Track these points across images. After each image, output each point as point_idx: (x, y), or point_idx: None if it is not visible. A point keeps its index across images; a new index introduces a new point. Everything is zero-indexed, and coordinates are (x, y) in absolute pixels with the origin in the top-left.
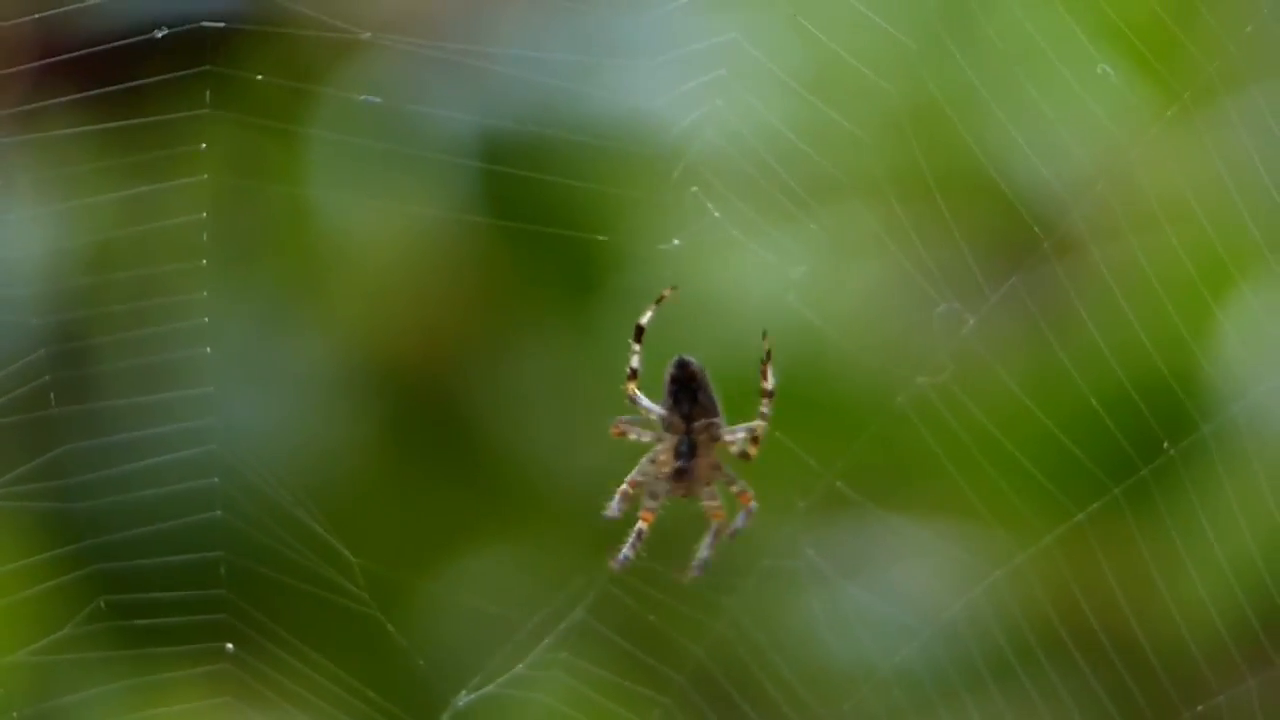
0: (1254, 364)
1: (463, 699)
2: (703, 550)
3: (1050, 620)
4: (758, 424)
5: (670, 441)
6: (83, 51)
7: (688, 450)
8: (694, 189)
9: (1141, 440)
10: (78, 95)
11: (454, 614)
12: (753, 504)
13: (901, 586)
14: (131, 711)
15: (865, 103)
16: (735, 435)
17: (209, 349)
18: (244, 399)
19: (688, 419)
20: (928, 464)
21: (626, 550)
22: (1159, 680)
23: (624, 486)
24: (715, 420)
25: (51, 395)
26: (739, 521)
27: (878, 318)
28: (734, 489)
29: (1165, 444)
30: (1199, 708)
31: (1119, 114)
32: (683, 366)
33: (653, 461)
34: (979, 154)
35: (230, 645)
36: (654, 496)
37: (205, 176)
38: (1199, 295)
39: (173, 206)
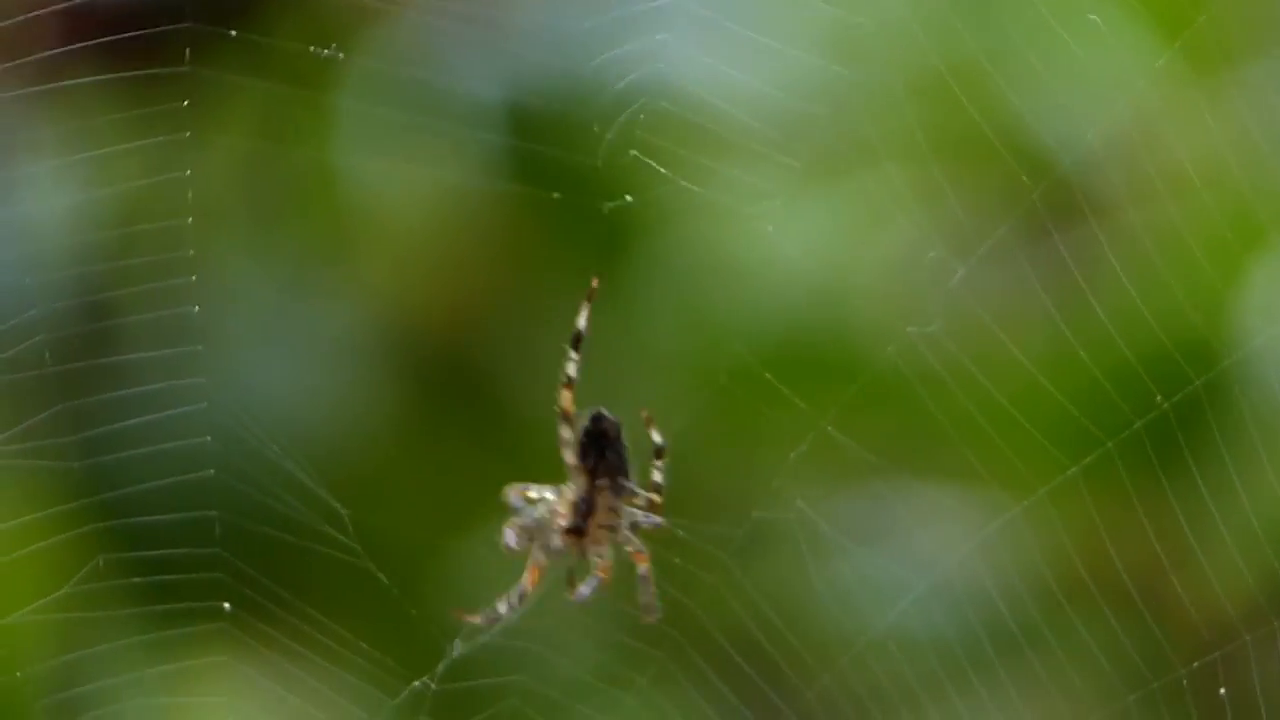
0: (1254, 318)
1: (458, 648)
2: (643, 596)
3: (1044, 575)
4: (654, 496)
5: (570, 494)
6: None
7: (585, 508)
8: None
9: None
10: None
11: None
12: (642, 568)
13: (897, 541)
14: (130, 670)
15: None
16: (635, 500)
17: (196, 308)
18: (257, 361)
19: (592, 474)
20: (920, 418)
21: (508, 601)
22: (1156, 637)
23: (525, 579)
24: (619, 482)
25: (46, 353)
26: (586, 587)
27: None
28: (629, 548)
29: (1159, 398)
30: (1194, 664)
31: (1135, 72)
32: (596, 420)
33: (550, 511)
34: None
35: (227, 604)
36: (545, 549)
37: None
38: (1195, 255)
39: (201, 169)
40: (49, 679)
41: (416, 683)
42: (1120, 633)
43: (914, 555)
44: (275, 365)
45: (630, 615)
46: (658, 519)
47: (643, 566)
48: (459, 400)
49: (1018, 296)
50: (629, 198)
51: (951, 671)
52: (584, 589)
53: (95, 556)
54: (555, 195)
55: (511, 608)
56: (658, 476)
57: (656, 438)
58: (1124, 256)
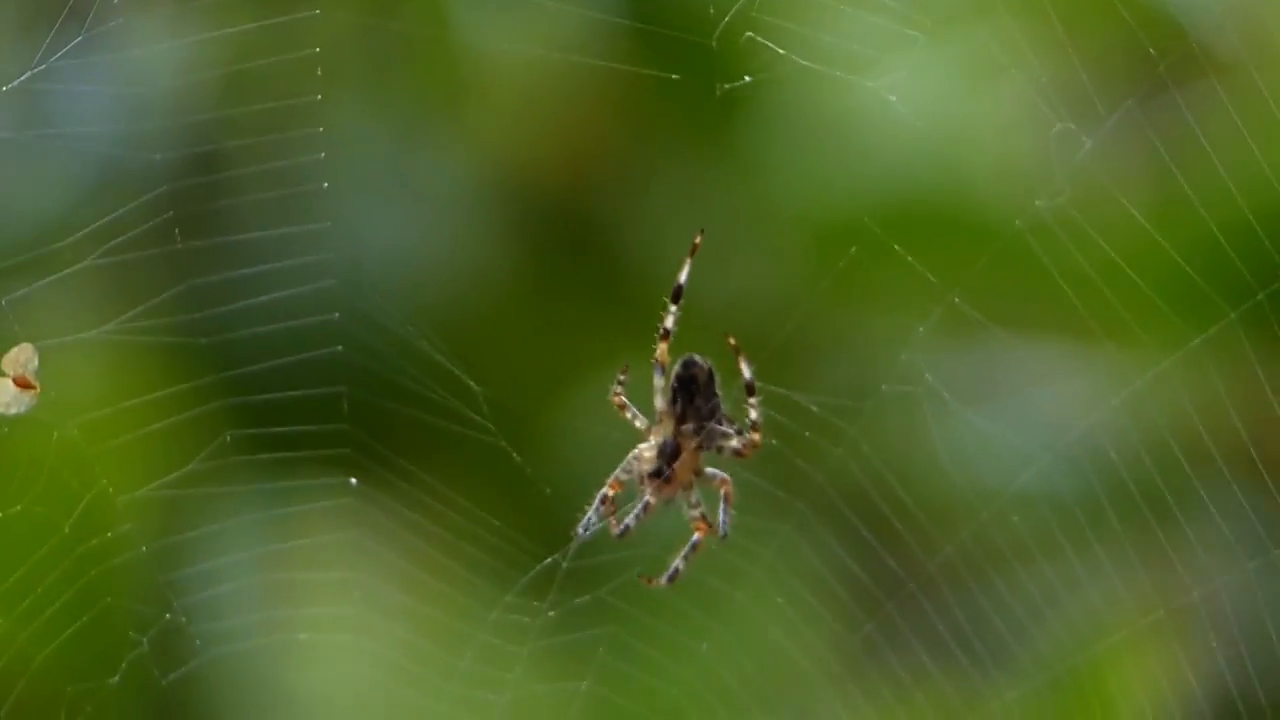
0: None
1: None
2: (677, 560)
3: (1167, 442)
4: (755, 436)
5: (658, 438)
6: None
7: (670, 452)
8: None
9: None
10: None
11: (582, 441)
12: (696, 536)
13: (1023, 412)
14: (256, 546)
15: None
16: (727, 443)
17: (326, 185)
18: (375, 221)
19: (679, 420)
20: (1047, 287)
21: (591, 515)
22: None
23: (604, 490)
24: (708, 426)
25: (176, 231)
26: (630, 519)
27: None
28: (695, 513)
29: None
30: None
31: None
32: (686, 365)
33: (637, 458)
34: None
35: (353, 480)
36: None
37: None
38: None
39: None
40: (174, 554)
41: (548, 559)
42: (1242, 500)
43: (1039, 426)
44: (392, 222)
45: (757, 492)
46: (745, 448)
47: (725, 489)
48: (572, 253)
49: (1141, 160)
50: (748, 78)
51: (1073, 537)
52: (629, 521)
53: (222, 433)
54: (674, 76)
55: (637, 518)
56: (754, 414)
57: (746, 372)
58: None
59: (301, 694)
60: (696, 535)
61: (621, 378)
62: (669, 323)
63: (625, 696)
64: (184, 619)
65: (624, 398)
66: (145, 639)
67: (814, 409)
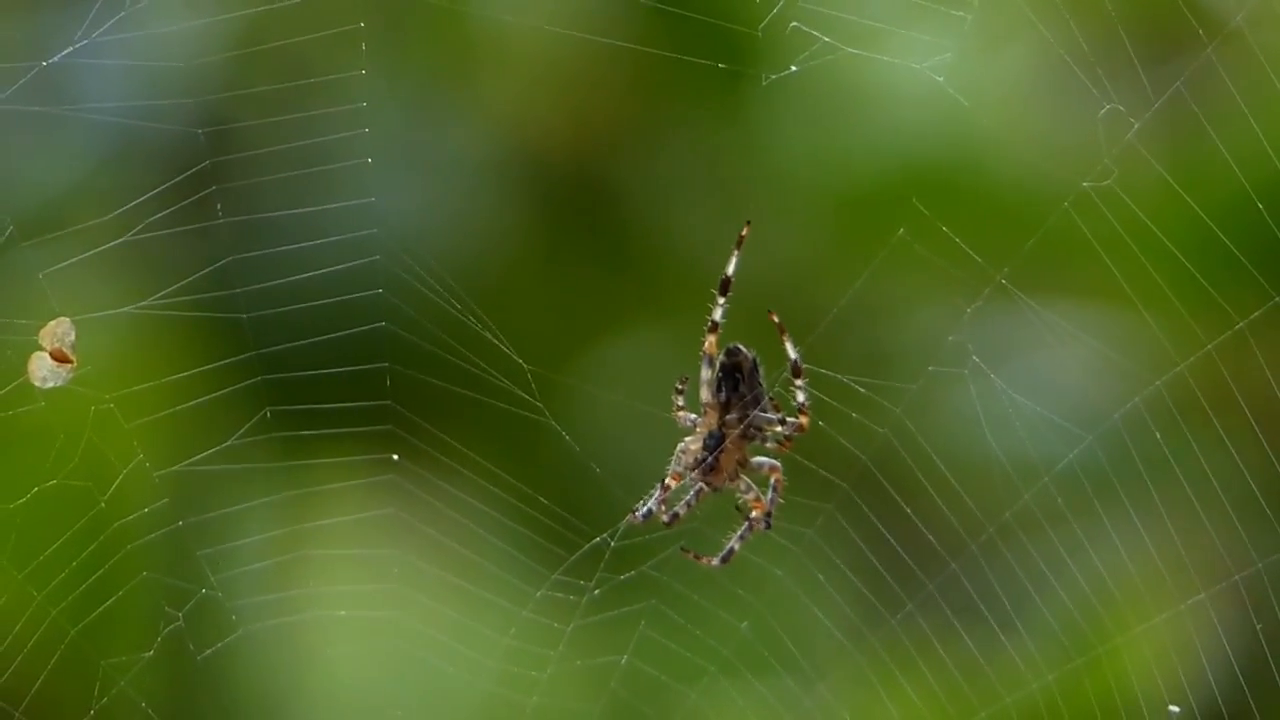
0: None
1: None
2: (732, 541)
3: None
4: (803, 420)
5: (703, 429)
6: None
7: (716, 442)
8: None
9: None
10: None
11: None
12: (753, 514)
13: (1068, 394)
14: (296, 522)
15: None
16: (774, 429)
17: (370, 160)
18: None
19: (724, 408)
20: (1091, 263)
21: (650, 504)
22: None
23: (666, 480)
24: (751, 414)
25: (218, 205)
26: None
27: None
28: (748, 495)
29: None
30: None
31: None
32: (730, 354)
33: (684, 450)
34: None
35: (396, 456)
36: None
37: None
38: None
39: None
40: (212, 529)
41: (597, 539)
42: None
43: (1084, 408)
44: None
45: (802, 472)
46: (792, 432)
47: (775, 477)
48: (585, 221)
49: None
50: (793, 68)
51: (1116, 518)
52: (678, 509)
53: (262, 409)
54: (720, 65)
55: (688, 506)
56: (800, 396)
57: (791, 352)
58: None
59: (339, 669)
60: (754, 514)
61: (680, 387)
62: (717, 315)
63: (664, 670)
64: (220, 594)
65: (685, 410)
66: (181, 613)
67: (861, 390)
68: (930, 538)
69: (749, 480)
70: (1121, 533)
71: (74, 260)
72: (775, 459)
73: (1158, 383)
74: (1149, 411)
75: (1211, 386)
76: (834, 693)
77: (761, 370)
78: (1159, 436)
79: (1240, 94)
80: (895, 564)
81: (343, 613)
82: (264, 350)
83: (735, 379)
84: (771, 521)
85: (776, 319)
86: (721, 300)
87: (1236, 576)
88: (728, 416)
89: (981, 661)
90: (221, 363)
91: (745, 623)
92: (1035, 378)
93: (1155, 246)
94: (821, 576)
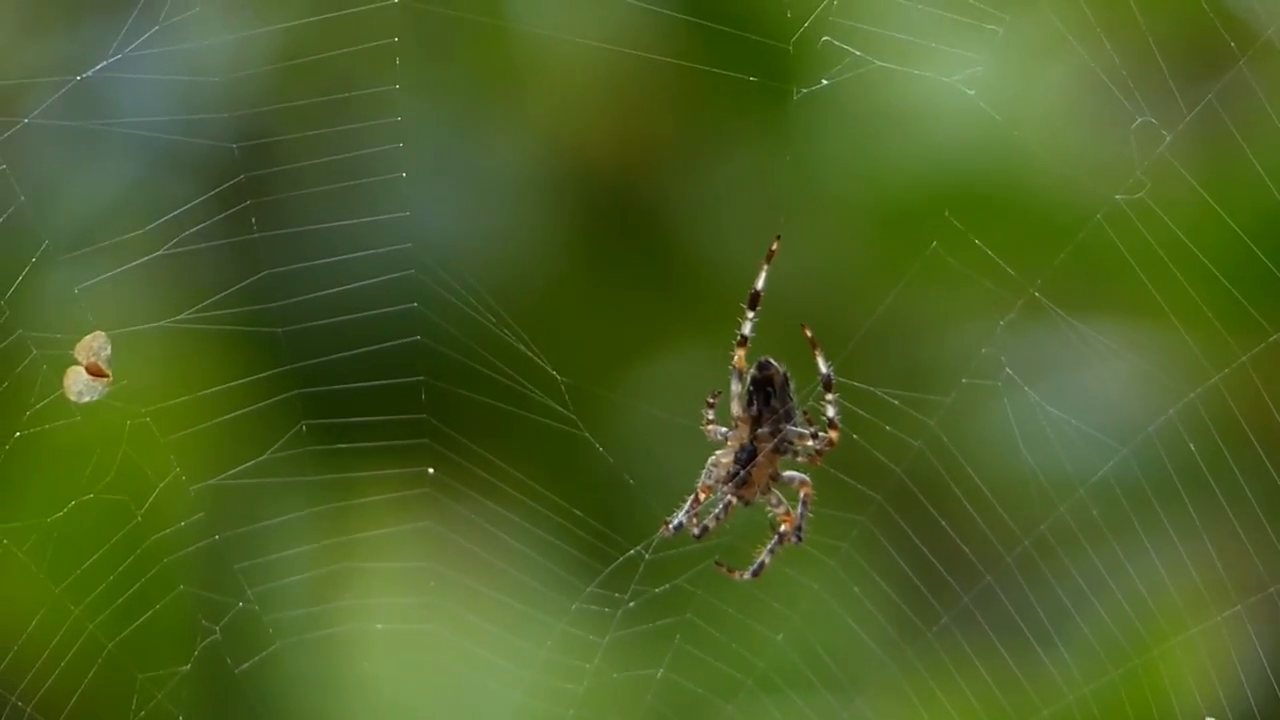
0: None
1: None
2: (763, 555)
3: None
4: (833, 434)
5: (734, 443)
6: None
7: (746, 456)
8: None
9: None
10: None
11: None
12: (783, 528)
13: (1104, 407)
14: (332, 536)
15: None
16: (805, 442)
17: (404, 174)
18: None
19: (755, 422)
20: (1123, 275)
21: (681, 516)
22: None
23: (696, 492)
24: (783, 429)
25: (253, 220)
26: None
27: (1067, 122)
28: (778, 509)
29: None
30: None
31: None
32: (762, 368)
33: (715, 464)
34: None
35: (431, 469)
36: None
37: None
38: None
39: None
40: (248, 543)
41: (632, 550)
42: None
43: (1119, 420)
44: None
45: (836, 485)
46: (823, 446)
47: (804, 491)
48: (623, 236)
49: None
50: (825, 81)
51: (1151, 531)
52: (707, 522)
53: (298, 423)
54: (751, 78)
55: (717, 519)
56: (831, 410)
57: (823, 366)
58: None
59: (376, 683)
60: (783, 527)
61: (711, 400)
62: (746, 329)
63: (700, 683)
64: (257, 607)
65: (715, 424)
66: (218, 627)
67: (895, 402)
68: (966, 550)
69: (779, 494)
70: (1157, 545)
71: (109, 275)
72: (805, 473)
73: (1192, 395)
74: (1183, 424)
75: (1246, 399)
76: (871, 706)
77: (793, 384)
78: (1193, 449)
79: (1272, 107)
80: (930, 577)
81: (380, 626)
82: (299, 364)
83: (767, 393)
84: (803, 535)
85: (809, 333)
86: (751, 314)
87: (1273, 589)
88: (759, 430)
89: (1018, 674)
90: (257, 376)
91: (781, 635)
92: (1069, 390)
93: (1188, 259)
94: (857, 589)
